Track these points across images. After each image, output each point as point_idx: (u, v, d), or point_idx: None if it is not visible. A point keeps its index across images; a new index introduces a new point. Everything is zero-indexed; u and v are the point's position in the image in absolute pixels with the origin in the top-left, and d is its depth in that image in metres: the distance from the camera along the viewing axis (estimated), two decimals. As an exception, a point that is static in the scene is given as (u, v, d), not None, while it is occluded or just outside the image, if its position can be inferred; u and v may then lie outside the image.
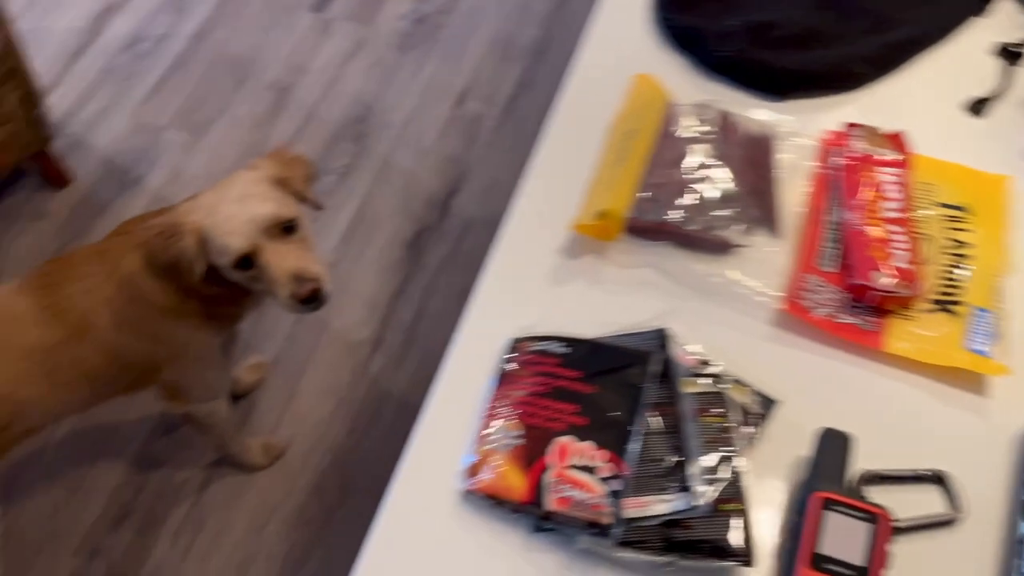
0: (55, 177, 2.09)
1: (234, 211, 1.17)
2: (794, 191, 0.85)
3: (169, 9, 2.50)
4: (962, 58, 0.99)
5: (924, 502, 0.69)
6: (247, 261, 1.18)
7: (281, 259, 1.18)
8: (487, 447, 0.72)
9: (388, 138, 2.24)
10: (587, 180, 0.90)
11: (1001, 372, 0.72)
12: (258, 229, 1.17)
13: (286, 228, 1.19)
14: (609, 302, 0.80)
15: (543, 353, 0.75)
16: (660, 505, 0.64)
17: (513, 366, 0.77)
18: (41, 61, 2.25)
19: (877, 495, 0.68)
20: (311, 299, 1.18)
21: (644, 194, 0.83)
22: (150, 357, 1.36)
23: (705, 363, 0.72)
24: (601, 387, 0.71)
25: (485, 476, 0.70)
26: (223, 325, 1.39)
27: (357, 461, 1.76)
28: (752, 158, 0.85)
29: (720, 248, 0.81)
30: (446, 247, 2.07)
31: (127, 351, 1.33)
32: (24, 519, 1.65)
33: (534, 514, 0.69)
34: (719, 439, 0.66)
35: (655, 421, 0.69)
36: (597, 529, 0.65)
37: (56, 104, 2.25)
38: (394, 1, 2.52)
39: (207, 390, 1.50)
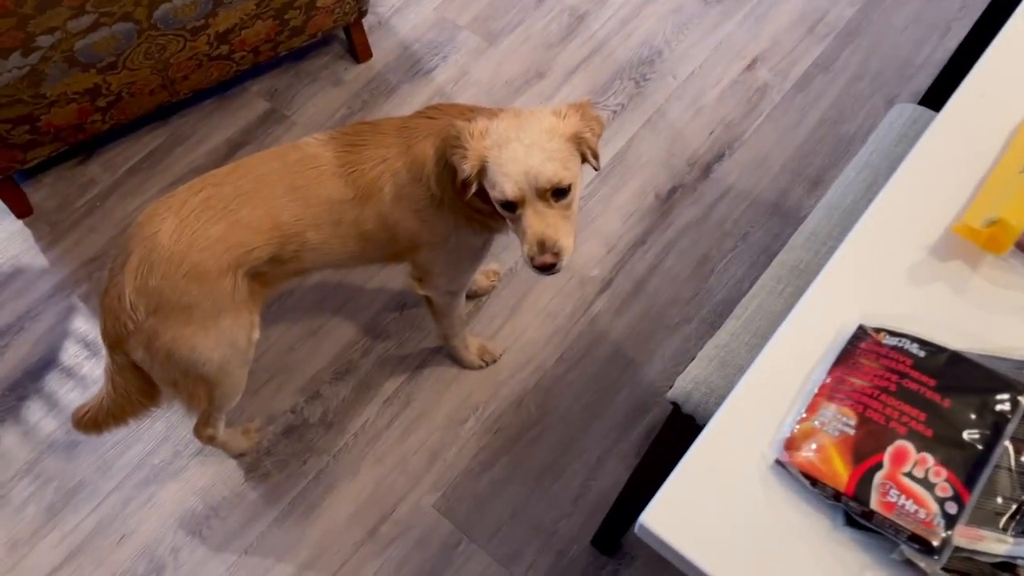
0: (359, 50, 2.23)
1: (519, 156, 1.20)
2: None
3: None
4: None
5: None
6: (511, 205, 1.23)
7: (538, 220, 1.22)
8: (812, 425, 0.70)
9: (668, 87, 2.20)
10: (979, 182, 0.83)
11: None
12: (532, 184, 1.20)
13: (557, 192, 1.21)
14: (974, 317, 0.75)
15: (897, 349, 0.71)
16: (997, 544, 0.60)
17: (858, 353, 0.74)
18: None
19: None
20: (544, 268, 1.23)
21: None
22: (414, 236, 1.44)
23: None
24: (956, 403, 0.67)
25: (806, 454, 0.68)
26: (482, 230, 1.45)
27: (558, 389, 1.80)
28: None
29: None
30: (697, 210, 2.02)
31: (397, 224, 1.41)
32: (262, 348, 1.83)
33: (854, 508, 0.66)
34: (1082, 495, 0.60)
35: (1009, 456, 0.64)
36: (921, 545, 0.62)
37: (372, -17, 2.39)
38: (709, -50, 2.44)
39: (452, 282, 1.58)
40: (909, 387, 0.69)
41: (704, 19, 2.32)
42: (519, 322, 1.88)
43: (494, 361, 1.83)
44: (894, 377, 0.70)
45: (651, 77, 2.22)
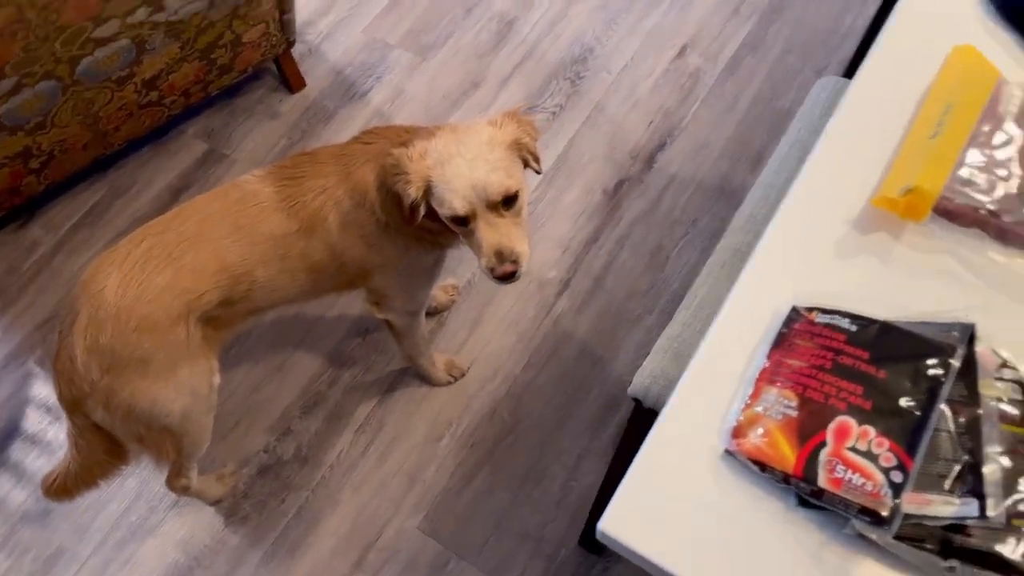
0: (291, 80, 2.22)
1: (464, 170, 1.21)
2: None
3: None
4: None
5: None
6: (463, 220, 1.23)
7: (492, 232, 1.22)
8: (756, 410, 0.71)
9: (603, 83, 2.22)
10: (893, 151, 0.84)
11: None
12: (480, 197, 1.20)
13: (506, 201, 1.22)
14: (900, 285, 0.76)
15: (830, 327, 0.73)
16: (945, 507, 0.61)
17: (793, 334, 0.75)
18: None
19: None
20: (505, 278, 1.24)
21: (959, 174, 0.77)
22: (364, 262, 1.44)
23: (1012, 368, 0.67)
24: (891, 372, 0.68)
25: (752, 440, 0.69)
26: (433, 248, 1.45)
27: (529, 394, 1.80)
28: None
29: None
30: (645, 202, 2.04)
31: (345, 252, 1.41)
32: (226, 392, 1.81)
33: (804, 489, 0.67)
34: (1019, 451, 0.62)
35: (947, 419, 0.65)
36: (872, 517, 0.63)
37: (299, 10, 2.38)
38: (628, -57, 2.47)
39: (410, 302, 1.58)
40: (844, 363, 0.70)
41: (631, 12, 2.34)
42: (483, 333, 1.88)
43: (462, 375, 1.83)
44: (829, 354, 0.71)
45: (585, 75, 2.24)
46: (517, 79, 2.24)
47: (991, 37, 0.92)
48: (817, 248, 0.79)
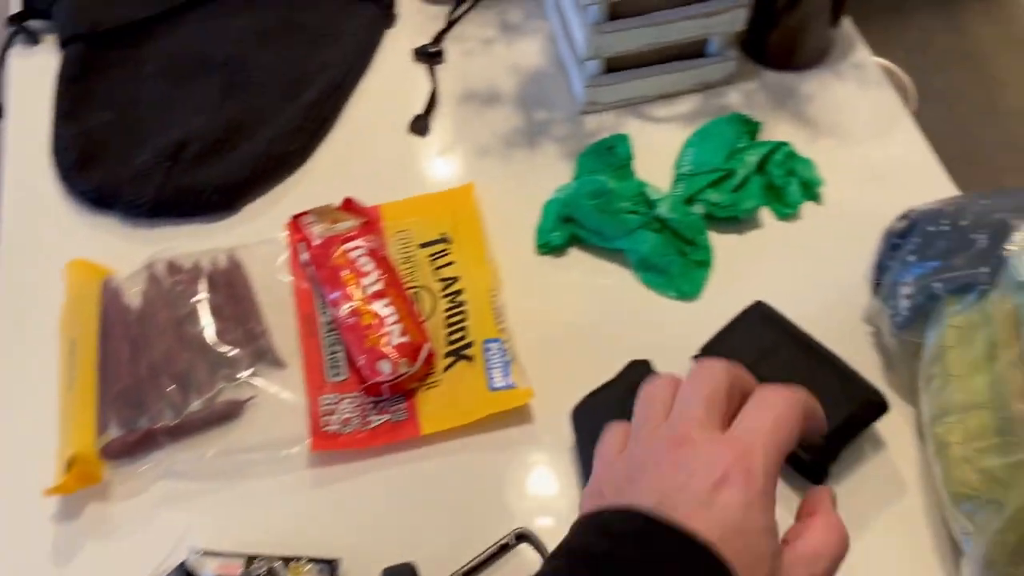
0: None
1: None
2: (284, 311, 0.67)
3: None
4: (392, 79, 0.82)
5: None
6: None
7: None
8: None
9: None
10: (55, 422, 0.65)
11: (527, 397, 0.61)
12: None
13: None
14: (133, 549, 0.59)
15: None
16: None
17: None
18: None
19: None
20: None
21: (109, 409, 0.63)
22: None
23: (250, 559, 0.59)
24: None
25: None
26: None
27: None
28: (231, 295, 0.68)
29: (229, 415, 0.63)
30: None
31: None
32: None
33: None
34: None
35: None
36: None
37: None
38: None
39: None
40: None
41: None
42: None
43: None
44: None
45: None
46: None
47: (96, 227, 0.74)
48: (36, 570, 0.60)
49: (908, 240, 0.57)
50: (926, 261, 0.55)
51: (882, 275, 0.59)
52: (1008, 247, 0.51)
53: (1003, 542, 0.47)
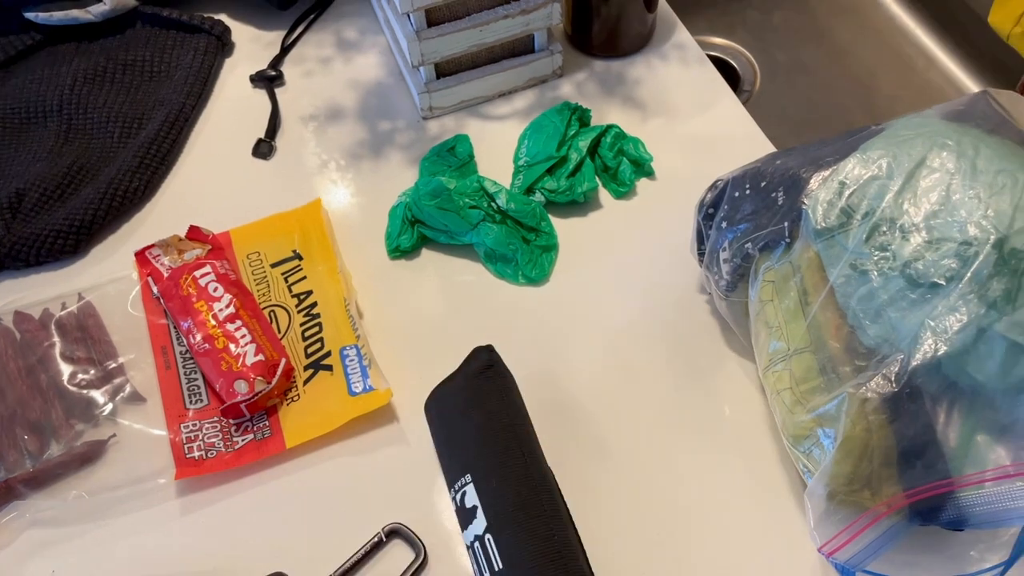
0: None
1: None
2: (140, 346, 0.67)
3: None
4: (234, 106, 0.82)
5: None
6: None
7: None
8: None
9: None
10: None
11: (387, 398, 0.62)
12: None
13: None
14: None
15: None
16: None
17: None
18: None
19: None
20: None
21: None
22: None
23: None
24: None
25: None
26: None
27: None
28: (83, 337, 0.67)
29: (91, 456, 0.62)
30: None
31: None
32: None
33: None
34: None
35: None
36: None
37: None
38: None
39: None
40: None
41: None
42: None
43: None
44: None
45: None
46: None
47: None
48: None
49: (719, 208, 0.60)
50: (736, 225, 0.58)
51: (702, 244, 0.63)
52: (803, 199, 0.55)
53: (839, 473, 0.50)
